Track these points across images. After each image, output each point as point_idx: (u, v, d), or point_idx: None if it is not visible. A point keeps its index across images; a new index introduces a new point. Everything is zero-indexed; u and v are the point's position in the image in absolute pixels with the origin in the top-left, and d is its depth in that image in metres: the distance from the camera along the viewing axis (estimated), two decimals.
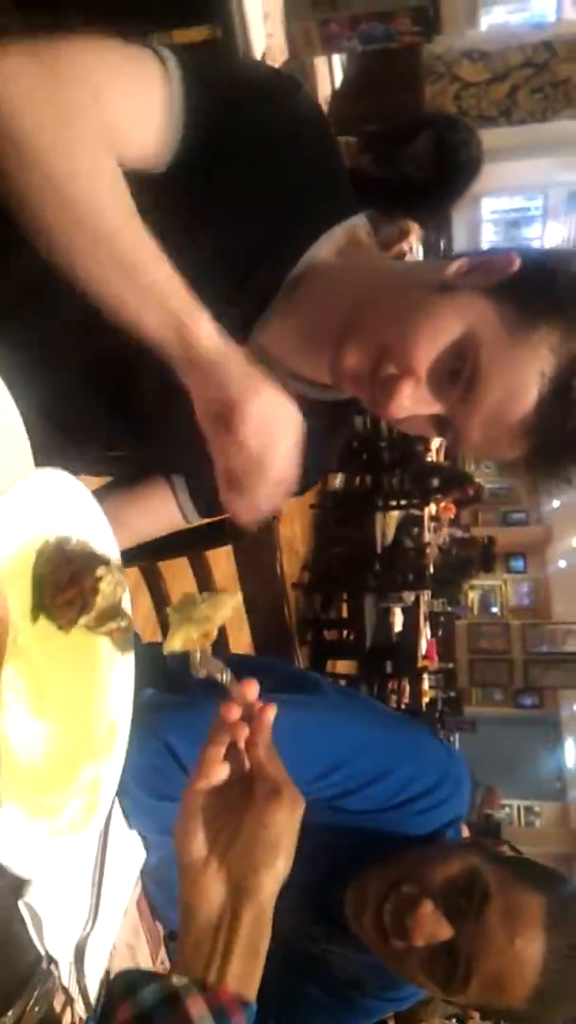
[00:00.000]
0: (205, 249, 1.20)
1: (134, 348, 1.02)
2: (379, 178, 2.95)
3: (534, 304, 1.15)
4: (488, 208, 11.45)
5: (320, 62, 6.31)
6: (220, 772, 1.00)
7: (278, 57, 4.66)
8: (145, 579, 2.20)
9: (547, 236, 11.23)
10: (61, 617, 1.01)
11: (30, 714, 1.00)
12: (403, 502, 8.67)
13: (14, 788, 0.94)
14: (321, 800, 1.51)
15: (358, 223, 1.33)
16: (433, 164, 2.98)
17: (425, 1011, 3.84)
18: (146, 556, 2.07)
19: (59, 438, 1.19)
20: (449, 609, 11.87)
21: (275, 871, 0.96)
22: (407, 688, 7.84)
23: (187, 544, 2.05)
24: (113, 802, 1.37)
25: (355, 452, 7.51)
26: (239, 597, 1.02)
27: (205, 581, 2.12)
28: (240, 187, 1.18)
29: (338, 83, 6.87)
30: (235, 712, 1.00)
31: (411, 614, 8.40)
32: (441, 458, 9.57)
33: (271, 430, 1.00)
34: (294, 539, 7.33)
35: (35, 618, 1.00)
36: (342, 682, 6.53)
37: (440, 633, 11.27)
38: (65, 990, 1.18)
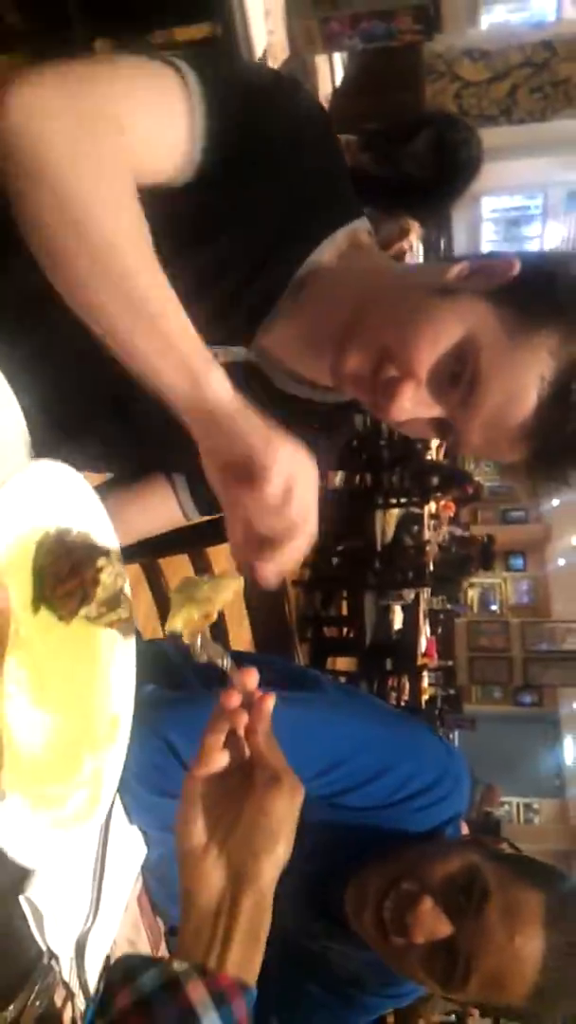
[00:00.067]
0: (210, 254, 1.21)
1: None
2: (379, 176, 2.96)
3: (534, 308, 1.15)
4: (488, 207, 11.44)
5: (321, 60, 6.32)
6: (219, 760, 1.01)
7: (279, 55, 4.67)
8: (146, 576, 2.21)
9: (547, 235, 11.23)
10: (62, 608, 1.01)
11: (32, 705, 1.00)
12: (403, 500, 8.66)
13: (17, 779, 0.94)
14: (321, 797, 1.51)
15: (360, 226, 1.33)
16: (433, 163, 2.99)
17: (424, 1008, 3.85)
18: (147, 553, 2.07)
19: (59, 435, 1.19)
20: (449, 607, 11.88)
21: (275, 857, 0.96)
22: (407, 685, 7.83)
23: (188, 541, 2.05)
24: (115, 796, 1.38)
25: (355, 450, 7.49)
26: (241, 581, 1.01)
27: None
28: (248, 193, 1.19)
29: (339, 81, 6.87)
30: (235, 700, 1.00)
31: (411, 612, 8.39)
32: (441, 456, 9.56)
33: (295, 488, 0.97)
34: None
35: (36, 609, 1.01)
36: (342, 679, 6.51)
37: (440, 631, 11.26)
38: (66, 985, 1.18)
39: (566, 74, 7.97)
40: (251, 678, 1.01)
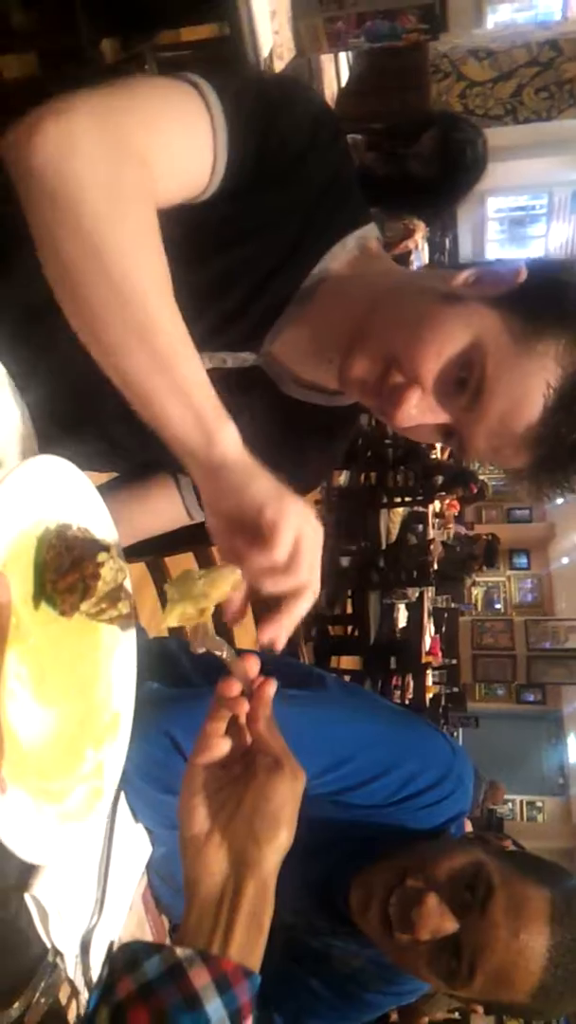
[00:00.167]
0: (223, 263, 1.21)
1: None
2: (385, 176, 2.96)
3: (540, 315, 1.16)
4: (493, 206, 11.45)
5: (326, 60, 6.31)
6: (220, 747, 1.01)
7: (285, 55, 4.67)
8: (151, 574, 2.21)
9: (551, 234, 11.23)
10: (63, 603, 1.01)
11: (33, 699, 1.01)
12: (407, 499, 8.67)
13: (19, 773, 0.95)
14: (325, 795, 1.52)
15: (369, 232, 1.33)
16: (438, 162, 2.99)
17: (428, 1005, 3.85)
18: (151, 551, 2.07)
19: (64, 434, 1.20)
20: (453, 605, 11.87)
21: (277, 843, 0.96)
22: (411, 684, 7.84)
23: (192, 540, 2.06)
24: (119, 794, 1.38)
25: (360, 449, 7.50)
26: (239, 574, 1.01)
27: None
28: (265, 202, 1.19)
29: (344, 81, 6.87)
30: (234, 688, 1.00)
31: (415, 610, 8.40)
32: (445, 456, 9.55)
33: (302, 548, 0.97)
34: None
35: (37, 604, 1.01)
36: (346, 678, 6.52)
37: (444, 629, 11.25)
38: (71, 982, 1.18)
39: (572, 73, 7.96)
40: (252, 666, 1.02)
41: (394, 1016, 3.99)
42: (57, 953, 1.15)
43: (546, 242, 11.39)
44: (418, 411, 1.20)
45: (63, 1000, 1.16)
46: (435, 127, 3.00)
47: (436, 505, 9.83)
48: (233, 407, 1.01)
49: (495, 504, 15.00)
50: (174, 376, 0.95)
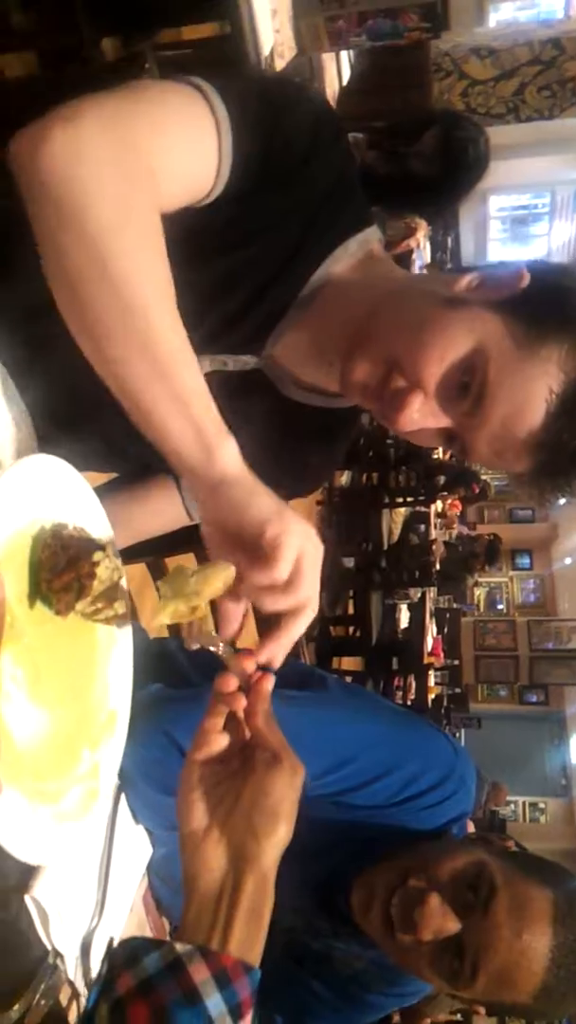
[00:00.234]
0: (226, 265, 1.21)
1: None
2: (387, 174, 2.96)
3: (543, 319, 1.15)
4: (495, 205, 11.46)
5: (328, 58, 6.30)
6: (217, 743, 1.01)
7: (286, 54, 4.66)
8: (151, 575, 2.21)
9: (554, 233, 11.24)
10: (59, 602, 1.01)
11: (28, 699, 1.00)
12: (409, 499, 8.67)
13: (14, 774, 0.94)
14: (327, 796, 1.51)
15: (371, 235, 1.33)
16: (440, 161, 2.99)
17: (430, 1007, 3.85)
18: (151, 552, 2.07)
19: (63, 434, 1.19)
20: (455, 606, 11.87)
21: (276, 838, 0.96)
22: (413, 685, 7.84)
23: (192, 540, 2.05)
24: (120, 797, 1.38)
25: (362, 449, 7.50)
26: (232, 570, 1.01)
27: None
28: (270, 204, 1.19)
29: (346, 80, 6.86)
30: (231, 683, 1.00)
31: (417, 611, 8.40)
32: (447, 456, 9.56)
33: (303, 567, 0.98)
34: None
35: (32, 604, 1.00)
36: (348, 679, 6.52)
37: (446, 630, 11.25)
38: (71, 984, 1.18)
39: (574, 72, 7.95)
40: (248, 661, 1.02)
41: (396, 1018, 3.98)
42: (57, 955, 1.15)
43: (548, 241, 11.40)
44: (420, 415, 1.19)
45: (63, 1002, 1.16)
46: (437, 125, 3.00)
47: (438, 505, 9.83)
48: (233, 411, 1.01)
49: (497, 504, 15.02)
50: (173, 384, 0.95)
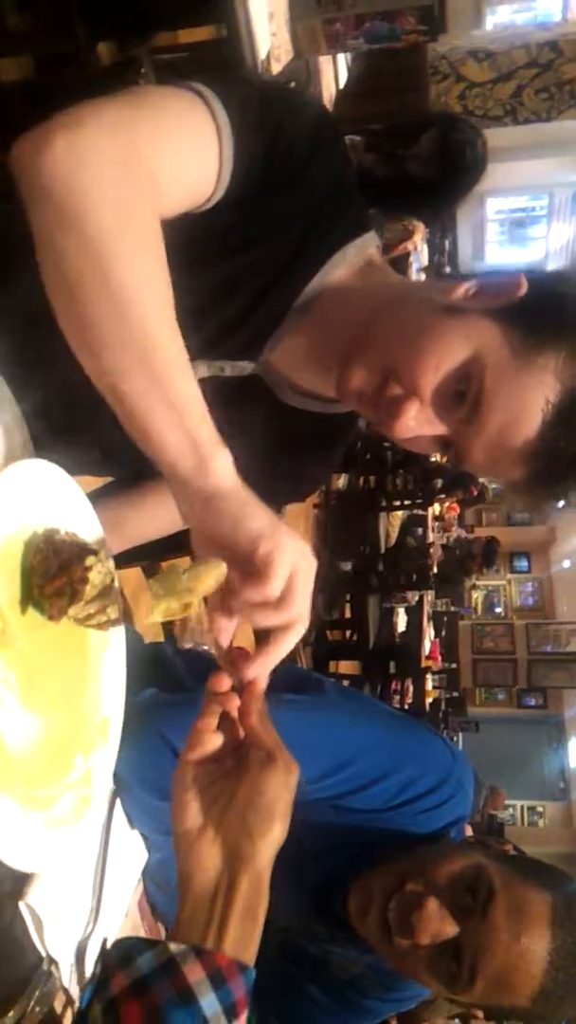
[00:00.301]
0: (225, 271, 1.21)
1: None
2: (384, 177, 2.96)
3: (540, 328, 1.15)
4: (493, 208, 11.47)
5: (325, 61, 6.31)
6: (212, 742, 1.01)
7: (283, 57, 4.66)
8: (146, 579, 2.20)
9: (552, 236, 11.25)
10: (51, 607, 1.00)
11: (20, 705, 1.00)
12: (406, 502, 8.68)
13: (5, 780, 0.94)
14: (324, 800, 1.51)
15: (368, 242, 1.32)
16: (438, 164, 2.99)
17: (428, 1011, 3.83)
18: (147, 556, 2.06)
19: (59, 439, 1.19)
20: (453, 609, 11.88)
21: (271, 837, 0.96)
22: (410, 688, 7.84)
23: (188, 544, 2.05)
24: (114, 802, 1.37)
25: (359, 452, 7.50)
26: (223, 567, 1.00)
27: None
28: (271, 208, 1.19)
29: (343, 82, 6.87)
30: (224, 683, 1.00)
31: (414, 614, 8.41)
32: (444, 459, 9.58)
33: (295, 582, 0.97)
34: None
35: (24, 609, 1.00)
36: (345, 682, 6.52)
37: (443, 633, 11.28)
38: (66, 991, 1.17)
39: (571, 75, 7.98)
40: (241, 659, 1.01)
41: (393, 1023, 3.98)
42: (52, 962, 1.14)
43: (546, 243, 11.40)
44: (416, 423, 1.19)
45: (58, 1009, 1.15)
46: (434, 128, 3.00)
47: (435, 508, 9.84)
48: (230, 417, 1.00)
49: (495, 507, 15.01)
50: (168, 393, 0.94)
